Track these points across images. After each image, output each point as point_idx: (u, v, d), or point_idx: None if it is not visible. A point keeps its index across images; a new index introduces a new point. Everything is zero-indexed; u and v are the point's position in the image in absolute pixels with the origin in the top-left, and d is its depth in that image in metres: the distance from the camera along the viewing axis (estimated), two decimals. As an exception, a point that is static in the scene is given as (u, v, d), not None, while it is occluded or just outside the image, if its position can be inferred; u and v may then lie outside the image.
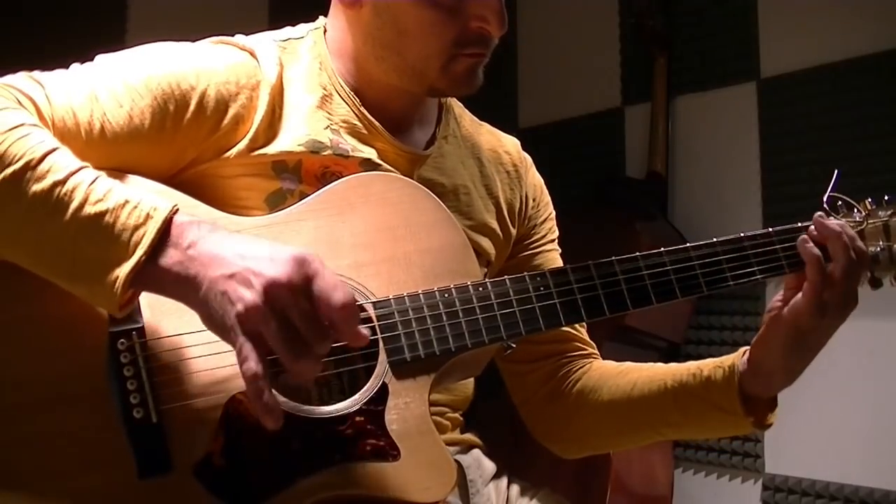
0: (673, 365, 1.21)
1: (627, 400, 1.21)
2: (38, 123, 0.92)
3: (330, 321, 0.86)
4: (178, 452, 0.91)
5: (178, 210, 0.88)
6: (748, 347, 1.14)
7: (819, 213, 1.12)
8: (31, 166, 0.86)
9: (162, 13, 2.61)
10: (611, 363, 1.28)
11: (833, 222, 1.10)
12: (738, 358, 1.14)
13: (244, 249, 0.86)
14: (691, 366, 1.18)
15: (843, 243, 1.08)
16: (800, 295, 1.08)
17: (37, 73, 0.99)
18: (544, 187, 1.35)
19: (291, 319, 0.84)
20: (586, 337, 1.32)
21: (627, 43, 2.78)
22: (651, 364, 1.24)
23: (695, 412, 1.16)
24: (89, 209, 0.86)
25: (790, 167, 2.33)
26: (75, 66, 1.03)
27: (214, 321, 0.85)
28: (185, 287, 0.86)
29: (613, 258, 1.09)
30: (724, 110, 2.51)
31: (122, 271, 0.85)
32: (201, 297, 0.85)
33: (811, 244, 1.09)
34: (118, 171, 0.98)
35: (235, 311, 0.83)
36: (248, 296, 0.83)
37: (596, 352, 1.32)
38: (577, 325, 1.30)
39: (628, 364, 1.26)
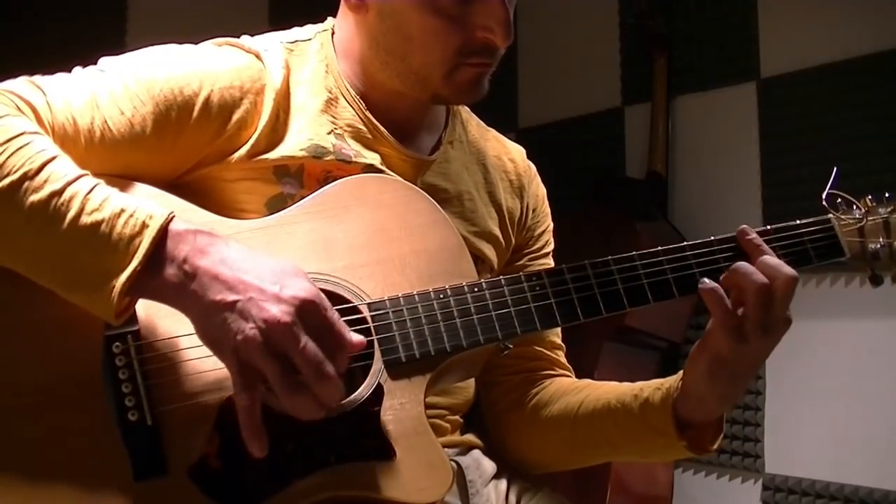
0: (623, 385, 1.19)
1: (573, 417, 1.20)
2: (38, 130, 0.91)
3: (337, 369, 0.87)
4: (174, 454, 0.92)
5: (174, 218, 0.88)
6: None
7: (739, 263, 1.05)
8: (28, 176, 0.86)
9: (162, 14, 2.62)
10: (570, 380, 1.28)
11: (742, 264, 1.04)
12: (675, 380, 1.12)
13: (245, 272, 0.86)
14: (636, 386, 1.17)
15: (746, 276, 1.02)
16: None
17: (37, 78, 0.99)
18: (546, 198, 1.34)
19: (292, 360, 0.84)
20: (564, 361, 1.31)
21: (627, 43, 2.77)
22: (605, 382, 1.23)
23: (632, 432, 1.15)
24: (86, 219, 0.86)
25: (790, 167, 2.32)
26: (77, 70, 1.02)
27: (210, 339, 0.86)
28: (183, 300, 0.87)
29: (609, 257, 1.08)
30: (724, 110, 2.50)
31: (119, 281, 0.85)
32: (200, 314, 0.86)
33: (706, 280, 1.03)
34: (118, 177, 0.98)
35: (235, 340, 0.84)
36: (249, 330, 0.83)
37: (569, 375, 1.31)
38: (556, 350, 1.30)
39: (585, 381, 1.26)
